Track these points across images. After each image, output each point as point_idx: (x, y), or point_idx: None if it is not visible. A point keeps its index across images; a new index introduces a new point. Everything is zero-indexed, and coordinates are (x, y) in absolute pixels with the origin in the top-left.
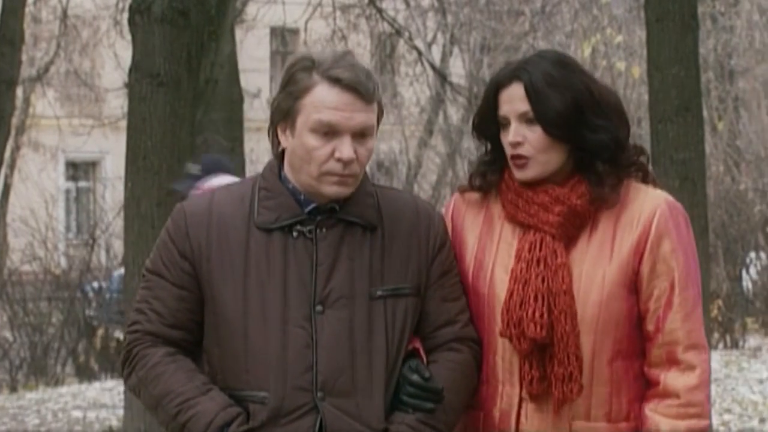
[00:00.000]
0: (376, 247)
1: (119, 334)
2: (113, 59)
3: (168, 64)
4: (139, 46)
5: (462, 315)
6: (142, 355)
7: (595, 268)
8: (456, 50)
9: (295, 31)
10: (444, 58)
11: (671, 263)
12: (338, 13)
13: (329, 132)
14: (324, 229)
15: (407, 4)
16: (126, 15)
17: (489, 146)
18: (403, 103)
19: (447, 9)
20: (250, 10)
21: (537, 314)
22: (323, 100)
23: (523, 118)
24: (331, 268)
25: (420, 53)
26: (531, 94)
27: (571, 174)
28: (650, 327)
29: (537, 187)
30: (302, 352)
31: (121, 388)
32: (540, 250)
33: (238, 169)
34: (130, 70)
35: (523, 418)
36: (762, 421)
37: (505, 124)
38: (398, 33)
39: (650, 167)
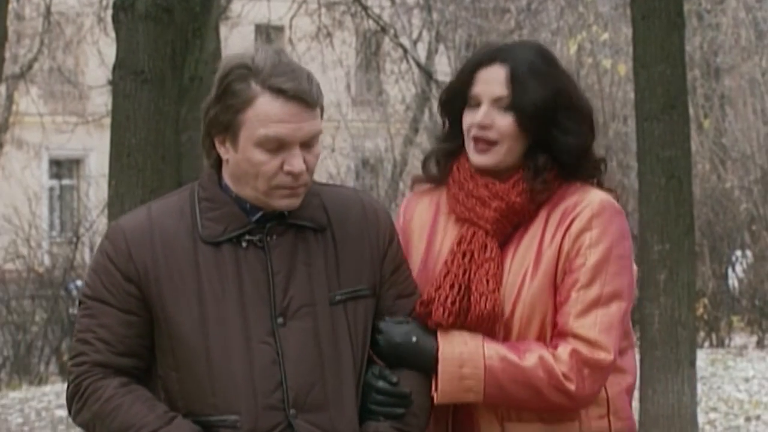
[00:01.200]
0: (329, 249)
1: None
2: (97, 56)
3: (152, 61)
4: (123, 43)
5: None
6: (93, 389)
7: (521, 266)
8: (441, 48)
9: (279, 29)
10: (429, 55)
11: (582, 259)
12: (323, 10)
13: (276, 146)
14: (275, 237)
15: (392, 2)
16: (110, 12)
17: (448, 125)
18: (389, 100)
19: (432, 6)
20: (235, 7)
21: (449, 301)
22: (267, 114)
23: (497, 103)
24: (288, 276)
25: (405, 51)
26: (513, 80)
27: (515, 170)
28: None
29: (479, 180)
30: (269, 369)
31: None
32: (469, 243)
33: None
34: (114, 67)
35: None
36: (748, 419)
37: (474, 104)
38: (383, 30)
39: (604, 176)
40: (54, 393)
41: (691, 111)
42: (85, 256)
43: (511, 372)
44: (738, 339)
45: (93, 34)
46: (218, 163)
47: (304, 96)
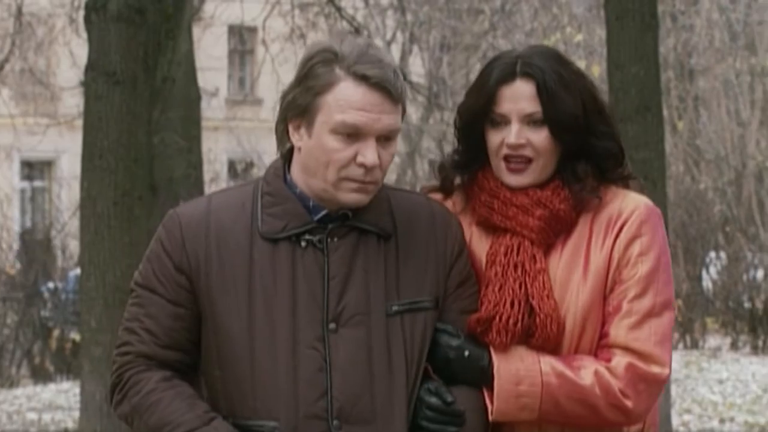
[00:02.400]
0: (390, 257)
1: (75, 335)
2: (69, 57)
3: (124, 62)
4: (95, 44)
5: None
6: (135, 381)
7: (569, 275)
8: (415, 49)
9: (253, 30)
10: (403, 56)
11: (635, 268)
12: (297, 11)
13: (353, 134)
14: (336, 239)
15: (366, 3)
16: (82, 13)
17: (465, 147)
18: None
19: (406, 7)
20: (208, 8)
21: (511, 322)
22: (348, 100)
23: (528, 120)
24: (345, 281)
25: None
26: (543, 95)
27: (550, 178)
28: (604, 329)
29: (516, 189)
30: (315, 377)
31: (77, 390)
32: (517, 254)
33: (196, 169)
34: (86, 69)
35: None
36: (722, 421)
37: (500, 122)
38: (357, 31)
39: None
40: (25, 396)
41: (665, 112)
42: (57, 258)
43: (567, 389)
44: (712, 341)
45: (65, 35)
46: (288, 156)
47: (387, 86)
